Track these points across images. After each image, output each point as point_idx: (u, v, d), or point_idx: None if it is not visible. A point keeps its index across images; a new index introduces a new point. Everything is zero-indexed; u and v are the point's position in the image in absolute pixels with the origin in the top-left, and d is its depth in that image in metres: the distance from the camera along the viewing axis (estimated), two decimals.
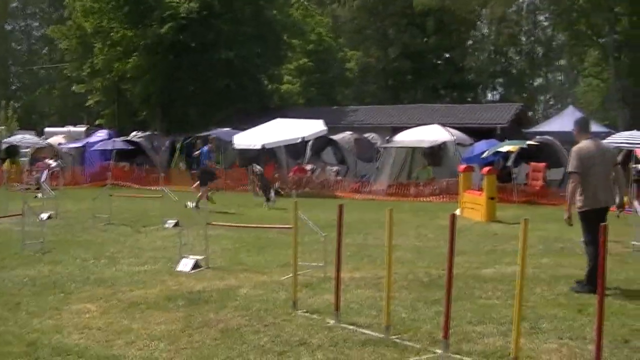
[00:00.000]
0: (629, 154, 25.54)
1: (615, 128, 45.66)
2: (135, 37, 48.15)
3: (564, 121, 32.90)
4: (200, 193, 23.60)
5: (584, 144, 10.74)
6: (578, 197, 10.59)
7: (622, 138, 24.41)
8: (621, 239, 14.95)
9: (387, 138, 35.55)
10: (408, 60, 65.29)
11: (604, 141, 22.49)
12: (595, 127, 29.85)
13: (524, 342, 7.63)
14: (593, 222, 10.26)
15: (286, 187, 30.40)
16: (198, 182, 24.92)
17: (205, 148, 24.95)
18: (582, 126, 11.10)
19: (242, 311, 9.29)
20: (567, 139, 11.11)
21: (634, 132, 24.95)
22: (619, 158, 27.91)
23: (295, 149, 35.35)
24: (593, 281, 10.29)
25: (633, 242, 14.69)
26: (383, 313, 8.17)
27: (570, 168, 10.74)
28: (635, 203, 15.98)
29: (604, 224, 6.69)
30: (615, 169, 10.86)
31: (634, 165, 26.61)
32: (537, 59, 78.39)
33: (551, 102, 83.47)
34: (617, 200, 10.92)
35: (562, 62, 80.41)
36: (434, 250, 14.39)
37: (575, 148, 10.80)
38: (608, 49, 60.62)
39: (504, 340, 7.82)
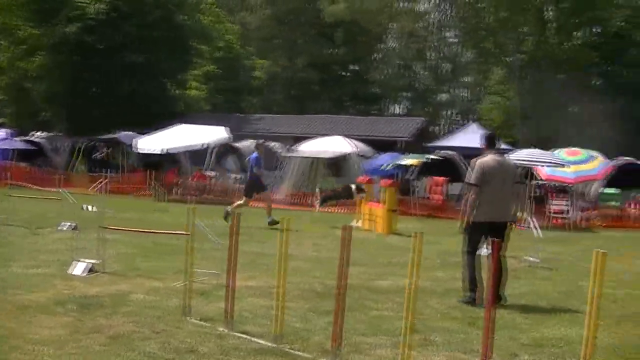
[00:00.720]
0: (528, 172, 26.04)
1: (516, 145, 46.59)
2: (42, 35, 47.24)
3: (466, 137, 33.45)
4: (241, 202, 21.86)
5: (488, 157, 10.91)
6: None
7: (522, 155, 24.84)
8: (516, 254, 15.20)
9: (288, 147, 35.60)
10: (315, 70, 65.50)
11: (510, 158, 22.99)
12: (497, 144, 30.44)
13: (415, 355, 7.61)
14: (479, 234, 10.54)
15: (187, 193, 30.15)
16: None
17: (255, 155, 22.14)
18: (489, 141, 11.26)
19: (134, 317, 9.08)
20: (469, 154, 11.27)
21: (535, 150, 25.44)
22: (522, 176, 28.56)
23: (199, 155, 35.11)
24: (470, 290, 10.52)
25: (527, 257, 14.97)
26: (275, 322, 8.11)
27: (470, 180, 10.90)
28: (529, 219, 16.29)
29: (498, 240, 6.76)
30: (516, 187, 11.06)
31: (535, 182, 27.20)
32: (443, 74, 79.42)
33: (457, 118, 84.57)
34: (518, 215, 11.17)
35: (468, 78, 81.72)
36: (331, 260, 14.31)
37: (478, 161, 10.96)
38: (513, 68, 61.95)
39: (395, 352, 7.81)
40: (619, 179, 28.48)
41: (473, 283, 10.66)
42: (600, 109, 69.00)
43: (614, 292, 12.12)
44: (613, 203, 29.52)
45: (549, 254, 16.58)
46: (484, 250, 10.68)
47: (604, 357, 7.95)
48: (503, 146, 36.84)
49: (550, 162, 24.56)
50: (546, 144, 38.08)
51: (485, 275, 9.92)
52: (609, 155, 30.59)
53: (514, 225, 11.09)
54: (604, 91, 68.35)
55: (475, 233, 10.79)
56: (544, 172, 26.26)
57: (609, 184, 28.77)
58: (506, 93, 70.70)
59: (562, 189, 27.74)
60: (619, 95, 66.37)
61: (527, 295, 11.62)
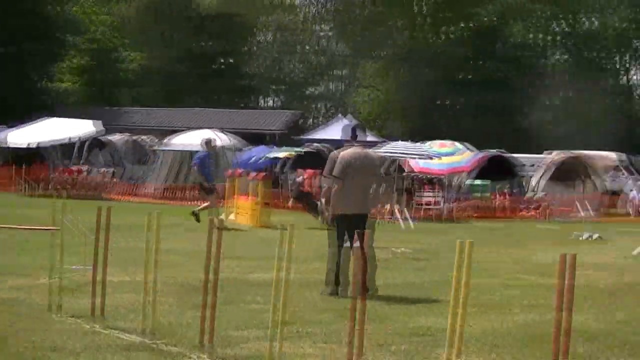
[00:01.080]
0: (399, 164, 26.39)
1: (391, 138, 47.19)
2: None
3: (338, 130, 33.63)
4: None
5: (348, 150, 10.97)
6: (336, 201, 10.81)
7: (394, 148, 25.18)
8: (386, 245, 15.40)
9: (158, 140, 35.22)
10: (189, 63, 64.84)
11: (380, 151, 23.24)
12: (370, 137, 30.74)
13: (287, 346, 7.61)
14: (342, 226, 10.60)
15: (55, 188, 29.44)
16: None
17: (203, 153, 21.17)
18: (352, 133, 11.31)
19: None
20: (342, 147, 11.39)
21: (406, 143, 25.83)
22: (392, 168, 28.91)
23: (69, 149, 34.35)
24: (331, 282, 10.60)
25: (397, 249, 15.18)
26: (147, 317, 7.98)
27: (330, 173, 10.96)
28: (401, 211, 16.52)
29: (361, 231, 6.81)
30: (386, 179, 11.14)
31: (406, 174, 27.61)
32: (318, 67, 79.76)
33: (330, 111, 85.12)
34: (387, 207, 11.28)
35: (342, 72, 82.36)
36: (205, 254, 14.25)
37: (340, 154, 11.03)
38: (386, 62, 62.69)
39: (267, 344, 7.79)
40: (488, 170, 29.18)
41: (336, 276, 10.71)
42: (471, 102, 70.79)
43: (483, 280, 12.40)
44: (482, 194, 30.18)
45: (420, 245, 16.88)
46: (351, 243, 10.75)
47: (472, 345, 8.12)
48: (374, 139, 37.33)
49: (421, 155, 24.97)
50: (418, 137, 38.75)
51: (352, 267, 9.99)
52: (478, 147, 31.33)
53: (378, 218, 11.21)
54: (475, 85, 69.99)
55: (338, 225, 10.84)
56: (415, 164, 26.65)
57: (478, 176, 29.42)
58: (379, 86, 71.51)
59: (432, 181, 28.22)
60: (490, 88, 68.07)
61: (398, 285, 11.78)
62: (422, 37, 64.06)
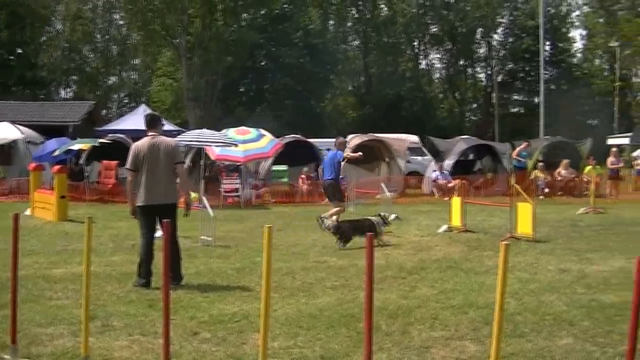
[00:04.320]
0: (199, 152, 26.34)
1: (187, 126, 47.02)
2: None
3: (136, 119, 33.24)
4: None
5: (142, 141, 10.87)
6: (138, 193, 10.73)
7: (192, 136, 25.10)
8: (190, 234, 15.41)
9: None
10: None
11: (181, 139, 23.11)
12: (167, 126, 30.53)
13: (94, 341, 7.54)
14: (147, 217, 10.56)
15: None
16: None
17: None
18: (147, 123, 11.20)
19: None
20: (139, 137, 11.22)
21: (204, 131, 25.76)
22: (189, 157, 28.83)
23: None
24: (143, 273, 10.55)
25: (202, 237, 15.20)
26: None
27: (126, 165, 10.87)
28: (204, 199, 16.52)
29: (166, 220, 6.80)
30: (178, 167, 11.02)
31: (206, 162, 27.62)
32: (112, 57, 78.32)
33: (125, 101, 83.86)
34: (184, 198, 11.24)
35: (137, 61, 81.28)
36: (2, 252, 13.80)
37: (133, 145, 10.94)
38: (181, 50, 62.38)
39: (75, 340, 7.67)
40: (288, 155, 29.56)
41: (147, 267, 10.63)
42: (267, 88, 71.58)
43: (288, 264, 12.63)
44: (283, 179, 30.57)
45: (224, 232, 16.96)
46: (159, 233, 10.65)
47: (278, 329, 8.27)
48: (174, 127, 37.12)
49: (221, 142, 24.98)
50: (217, 124, 38.77)
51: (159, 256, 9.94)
52: (276, 132, 31.67)
53: (187, 209, 11.18)
54: (270, 71, 70.83)
55: (143, 217, 10.76)
56: (214, 151, 26.66)
57: (278, 161, 29.77)
58: (175, 74, 71.19)
59: (233, 168, 28.34)
60: (284, 75, 69.07)
61: (204, 274, 11.81)
62: (216, 24, 64.06)
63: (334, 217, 17.06)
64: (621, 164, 32.17)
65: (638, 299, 4.80)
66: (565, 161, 32.18)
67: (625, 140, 49.86)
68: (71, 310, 9.04)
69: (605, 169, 31.59)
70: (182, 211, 11.06)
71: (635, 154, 33.84)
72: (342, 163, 18.56)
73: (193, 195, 20.59)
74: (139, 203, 10.68)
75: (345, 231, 15.29)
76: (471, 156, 37.32)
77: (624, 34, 74.87)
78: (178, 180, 11.16)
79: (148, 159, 10.68)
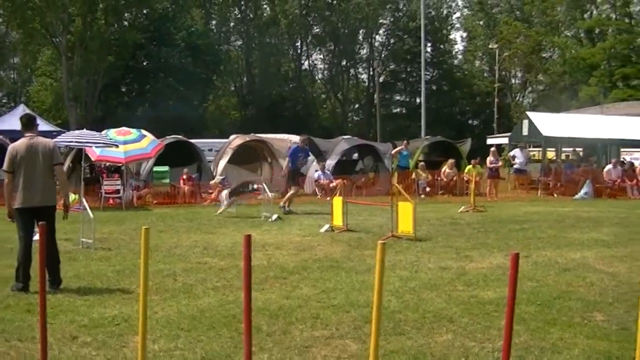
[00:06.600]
0: (80, 153, 25.84)
1: (67, 127, 46.12)
2: None
3: (14, 120, 32.39)
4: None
5: (19, 142, 10.64)
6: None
7: (71, 137, 24.58)
8: (71, 237, 15.15)
9: None
10: None
11: (60, 140, 22.61)
12: (47, 126, 29.91)
13: None
14: (25, 220, 10.36)
15: None
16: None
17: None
18: (24, 124, 10.98)
19: None
20: (17, 138, 10.96)
21: (84, 131, 25.27)
22: (69, 158, 28.29)
23: None
24: (21, 277, 10.33)
25: (82, 239, 14.94)
26: None
27: (3, 166, 10.63)
28: (84, 200, 16.22)
29: (43, 223, 6.65)
30: (56, 169, 10.80)
31: (89, 163, 27.16)
32: None
33: (4, 101, 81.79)
34: (64, 200, 11.03)
35: (16, 60, 79.33)
36: None
37: (9, 146, 10.71)
38: (61, 49, 61.19)
39: None
40: (169, 156, 29.29)
41: (25, 271, 10.40)
42: (149, 89, 70.83)
43: (168, 266, 12.53)
44: (164, 180, 30.26)
45: (105, 234, 16.74)
46: (37, 236, 10.41)
47: (159, 331, 8.21)
48: (53, 128, 36.33)
49: (101, 143, 24.55)
50: (98, 125, 38.20)
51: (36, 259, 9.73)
52: (157, 132, 31.33)
53: (65, 212, 10.97)
54: (152, 72, 70.14)
55: (21, 220, 10.51)
56: (95, 152, 26.19)
57: (159, 162, 29.46)
58: (55, 74, 69.84)
59: (114, 169, 27.93)
60: (167, 75, 68.49)
61: (84, 276, 11.61)
62: (97, 23, 63.12)
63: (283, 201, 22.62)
64: (500, 164, 33.03)
65: (513, 294, 4.93)
66: (450, 160, 32.85)
67: (504, 140, 51.06)
68: None
69: (485, 168, 32.36)
70: (61, 213, 10.86)
71: (512, 153, 34.65)
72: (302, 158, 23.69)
73: (73, 196, 20.23)
74: (17, 205, 10.44)
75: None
76: (354, 156, 37.66)
77: (503, 36, 77.16)
78: (57, 181, 10.96)
79: (25, 160, 10.44)
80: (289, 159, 24.39)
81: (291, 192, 23.50)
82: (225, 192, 22.28)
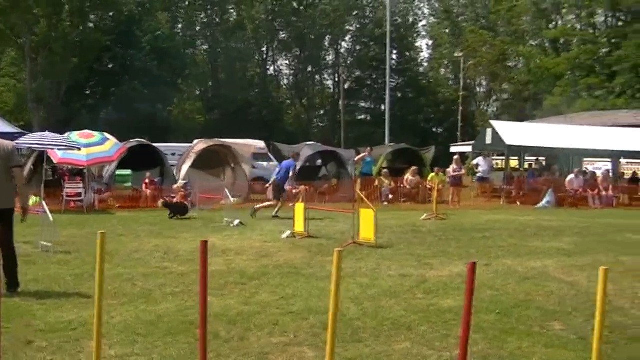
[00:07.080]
0: (42, 155, 25.62)
1: (30, 129, 45.74)
2: None
3: None
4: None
5: None
6: None
7: (33, 139, 24.36)
8: (30, 240, 15.01)
9: None
10: None
11: (21, 142, 22.44)
12: (9, 128, 29.62)
13: None
14: None
15: None
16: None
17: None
18: None
19: None
20: None
21: (46, 133, 25.06)
22: (31, 160, 28.05)
23: None
24: None
25: (41, 242, 14.81)
26: None
27: None
28: (44, 203, 16.10)
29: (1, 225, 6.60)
30: (15, 171, 10.65)
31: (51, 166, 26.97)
32: None
33: None
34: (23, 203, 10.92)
35: None
36: None
37: None
38: (26, 50, 60.81)
39: None
40: (132, 160, 29.16)
41: None
42: (113, 92, 70.51)
43: (128, 271, 12.46)
44: (127, 184, 30.12)
45: (65, 238, 16.56)
46: None
47: (116, 336, 8.16)
48: (15, 130, 36.01)
49: (63, 145, 24.35)
50: (59, 126, 37.93)
51: None
52: (120, 136, 31.17)
53: (24, 214, 10.85)
54: (117, 75, 69.80)
55: None
56: (57, 155, 26.00)
57: (121, 166, 29.32)
58: (18, 75, 69.38)
59: (76, 172, 27.72)
60: (131, 78, 68.16)
61: (42, 280, 11.50)
62: (62, 24, 62.74)
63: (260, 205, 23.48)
64: (462, 172, 33.19)
65: (470, 303, 4.95)
66: (413, 168, 32.96)
67: (467, 149, 51.34)
68: None
69: (447, 176, 32.49)
70: (19, 216, 10.74)
71: (475, 161, 34.88)
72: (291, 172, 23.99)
73: (34, 199, 20.06)
74: None
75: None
76: (318, 162, 37.64)
77: (469, 45, 77.66)
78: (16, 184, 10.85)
79: None
80: (282, 169, 24.28)
81: (272, 203, 23.73)
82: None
